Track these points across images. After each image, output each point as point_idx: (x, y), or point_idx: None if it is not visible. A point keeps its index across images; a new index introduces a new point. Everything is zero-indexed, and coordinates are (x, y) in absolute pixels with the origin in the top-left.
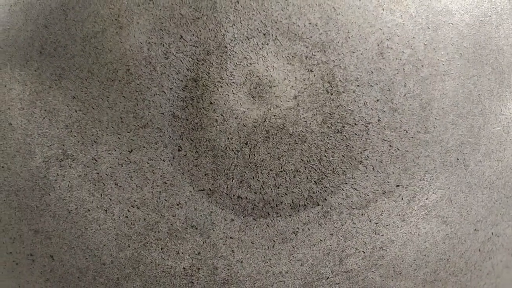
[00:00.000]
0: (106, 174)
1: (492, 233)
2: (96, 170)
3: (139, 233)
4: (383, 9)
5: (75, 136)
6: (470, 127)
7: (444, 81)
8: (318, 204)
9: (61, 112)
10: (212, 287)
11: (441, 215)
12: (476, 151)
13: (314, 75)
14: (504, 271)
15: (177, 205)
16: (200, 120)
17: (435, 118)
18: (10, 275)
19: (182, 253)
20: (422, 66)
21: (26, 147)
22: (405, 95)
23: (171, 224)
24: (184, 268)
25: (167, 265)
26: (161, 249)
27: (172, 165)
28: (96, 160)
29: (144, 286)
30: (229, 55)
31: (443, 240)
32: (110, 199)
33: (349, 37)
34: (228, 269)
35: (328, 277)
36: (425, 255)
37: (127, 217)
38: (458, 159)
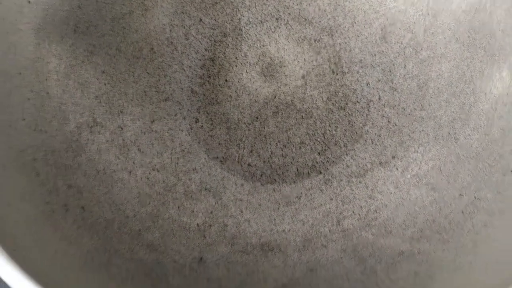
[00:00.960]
0: (130, 140)
1: (475, 197)
2: (121, 137)
3: (159, 193)
4: None
5: (103, 106)
6: (462, 104)
7: (441, 63)
8: (320, 173)
9: (92, 85)
10: (222, 241)
11: (430, 182)
12: (466, 126)
13: (322, 57)
14: (483, 229)
15: (193, 170)
16: (216, 96)
17: (431, 97)
18: (48, 221)
19: (196, 211)
20: (421, 49)
21: (61, 114)
22: (404, 76)
23: (187, 187)
24: (197, 224)
25: (183, 221)
26: (178, 207)
27: (189, 135)
28: (122, 128)
29: (163, 237)
30: (244, 37)
31: (431, 204)
32: (134, 163)
33: (355, 22)
34: (237, 227)
35: (326, 235)
36: (414, 217)
37: (148, 178)
38: (449, 133)
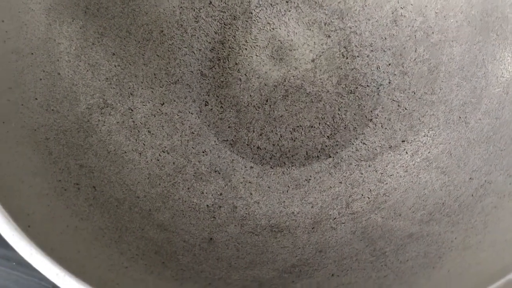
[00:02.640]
0: (140, 122)
1: (485, 181)
2: (132, 118)
3: (169, 174)
4: None
5: (114, 88)
6: (473, 88)
7: (452, 47)
8: (330, 156)
9: (102, 66)
10: (231, 222)
11: (440, 166)
12: (477, 110)
13: (332, 40)
14: (493, 211)
15: (203, 152)
16: (225, 79)
17: (442, 81)
18: (60, 198)
19: (206, 193)
20: (433, 32)
21: (72, 94)
22: (415, 59)
23: (197, 168)
24: (207, 205)
25: (193, 202)
26: (188, 188)
27: (199, 117)
28: (132, 110)
29: (173, 218)
30: (254, 20)
31: (440, 187)
32: (144, 144)
33: (365, 5)
34: (246, 208)
35: (335, 218)
36: (423, 200)
37: (158, 160)
38: (460, 117)
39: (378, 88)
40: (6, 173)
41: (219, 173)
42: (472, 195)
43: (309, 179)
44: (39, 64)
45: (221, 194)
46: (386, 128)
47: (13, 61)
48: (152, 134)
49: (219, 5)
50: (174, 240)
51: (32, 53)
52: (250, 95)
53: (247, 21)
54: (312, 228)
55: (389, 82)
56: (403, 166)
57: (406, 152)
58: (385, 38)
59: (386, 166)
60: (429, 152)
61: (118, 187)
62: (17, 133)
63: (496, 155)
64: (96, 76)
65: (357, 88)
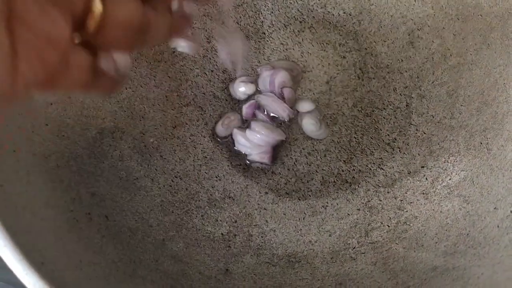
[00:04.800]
0: (152, 146)
1: (511, 211)
2: (143, 142)
3: (182, 201)
4: (415, 1)
5: (125, 111)
6: (494, 113)
7: (471, 70)
8: (347, 182)
9: None
10: (247, 252)
11: (463, 194)
12: (499, 136)
13: (347, 62)
14: None
15: (216, 177)
16: (238, 100)
17: (461, 105)
18: (72, 230)
19: (220, 220)
20: (451, 55)
21: (83, 119)
22: (433, 82)
23: (211, 194)
24: (222, 233)
25: (207, 230)
26: (202, 216)
27: (211, 141)
28: (143, 134)
29: (187, 248)
30: (267, 40)
31: (463, 217)
32: (156, 170)
33: (381, 27)
34: (262, 237)
35: (354, 247)
36: (446, 230)
37: (171, 186)
38: (481, 143)
39: (395, 111)
40: (18, 206)
41: (233, 199)
42: (498, 226)
43: (326, 206)
44: None
45: (235, 221)
46: (404, 153)
47: None
48: (164, 158)
49: (231, 25)
50: (189, 272)
51: None
52: None
53: (260, 41)
54: (331, 258)
55: (407, 105)
56: (423, 193)
57: (426, 179)
58: (402, 60)
59: (406, 193)
60: (450, 179)
61: (130, 215)
62: (28, 161)
63: None
64: (107, 99)
65: (373, 111)
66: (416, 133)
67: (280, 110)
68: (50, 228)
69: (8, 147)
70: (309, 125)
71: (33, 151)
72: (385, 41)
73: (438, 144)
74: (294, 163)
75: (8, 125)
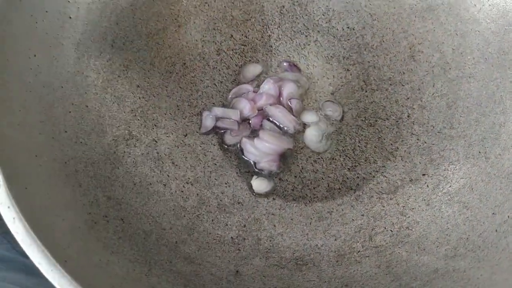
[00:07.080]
0: (164, 154)
1: (508, 216)
2: (156, 150)
3: (193, 206)
4: (415, 17)
5: (138, 119)
6: (492, 124)
7: (470, 83)
8: (351, 189)
9: (127, 98)
10: (256, 255)
11: (462, 200)
12: (496, 145)
13: (351, 74)
14: None
15: (225, 184)
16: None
17: (460, 116)
18: (91, 231)
19: (230, 224)
20: (450, 68)
21: (99, 126)
22: (433, 94)
23: (220, 200)
24: (232, 237)
25: (217, 234)
26: (212, 220)
27: (221, 149)
28: (156, 141)
29: (199, 250)
30: (274, 53)
31: (463, 222)
32: (168, 176)
33: (383, 41)
34: (270, 240)
35: (359, 251)
36: (447, 235)
37: (182, 191)
38: (480, 152)
39: (397, 122)
40: (42, 206)
41: (242, 205)
42: (496, 231)
43: (332, 211)
44: (68, 97)
45: (244, 226)
46: (406, 161)
47: (45, 94)
48: (176, 165)
49: (240, 39)
50: (201, 273)
51: (62, 86)
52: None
53: (267, 54)
54: (337, 261)
55: (408, 116)
56: (424, 200)
57: (427, 186)
58: (403, 73)
59: (408, 199)
60: (450, 186)
61: (144, 219)
62: (49, 166)
63: None
64: (122, 108)
65: (376, 121)
66: (417, 143)
67: (287, 121)
68: (70, 229)
69: (31, 153)
70: (311, 136)
71: (53, 157)
72: (387, 55)
73: (439, 153)
74: (301, 170)
75: (31, 132)
